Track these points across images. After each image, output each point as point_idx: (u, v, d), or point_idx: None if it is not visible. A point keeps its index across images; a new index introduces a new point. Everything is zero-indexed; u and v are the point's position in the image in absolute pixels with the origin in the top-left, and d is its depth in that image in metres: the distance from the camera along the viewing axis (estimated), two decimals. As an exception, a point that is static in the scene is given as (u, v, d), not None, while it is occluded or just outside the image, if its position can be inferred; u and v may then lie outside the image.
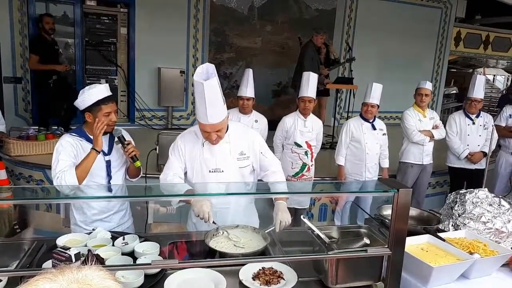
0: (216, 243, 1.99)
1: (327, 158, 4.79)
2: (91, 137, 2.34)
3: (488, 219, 2.13)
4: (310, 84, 3.89)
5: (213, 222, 2.05)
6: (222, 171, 2.25)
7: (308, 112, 3.92)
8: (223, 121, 2.13)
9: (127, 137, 2.45)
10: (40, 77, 5.60)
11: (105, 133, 2.34)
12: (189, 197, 1.96)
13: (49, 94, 5.52)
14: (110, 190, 2.29)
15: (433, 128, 4.40)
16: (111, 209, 2.44)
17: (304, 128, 3.91)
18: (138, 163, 2.42)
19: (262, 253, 1.93)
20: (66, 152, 2.28)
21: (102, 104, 2.29)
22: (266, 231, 2.06)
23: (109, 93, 2.36)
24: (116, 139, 2.40)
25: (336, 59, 6.96)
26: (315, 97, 3.94)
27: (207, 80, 1.98)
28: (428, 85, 4.34)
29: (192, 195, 1.93)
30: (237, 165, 2.28)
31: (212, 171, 2.24)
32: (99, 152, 2.30)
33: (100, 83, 2.42)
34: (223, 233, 2.08)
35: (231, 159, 2.27)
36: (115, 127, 2.39)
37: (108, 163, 2.39)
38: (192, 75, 7.14)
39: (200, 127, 2.17)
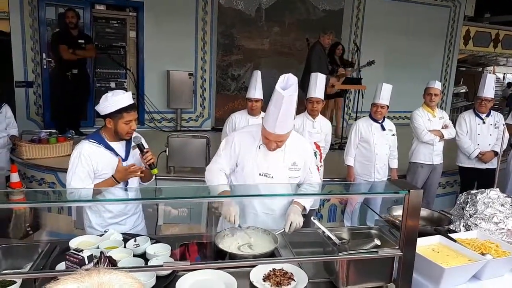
0: (226, 244, 2.00)
1: (336, 159, 4.77)
2: (110, 143, 2.38)
3: (500, 219, 2.12)
4: (318, 85, 3.89)
5: (239, 226, 2.07)
6: (272, 177, 2.26)
7: (316, 113, 3.91)
8: (288, 133, 2.16)
9: (145, 144, 2.49)
10: (60, 70, 5.77)
11: (126, 142, 2.41)
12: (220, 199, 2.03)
13: (66, 87, 5.67)
14: (125, 193, 2.32)
15: (442, 128, 4.36)
16: (127, 213, 2.47)
17: (313, 129, 3.90)
18: (155, 171, 2.46)
19: (272, 255, 1.93)
20: (82, 164, 2.30)
21: (124, 112, 2.32)
22: (276, 233, 2.06)
23: (132, 101, 2.39)
24: (133, 144, 2.44)
25: (352, 62, 6.89)
26: (323, 98, 3.93)
27: (288, 93, 2.00)
28: (438, 85, 4.31)
29: (205, 197, 1.94)
30: (288, 175, 2.29)
31: (262, 175, 2.26)
32: (119, 182, 2.35)
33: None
34: (233, 234, 2.09)
35: (283, 167, 2.28)
36: (135, 134, 2.43)
37: None
38: (201, 77, 7.24)
39: (263, 132, 2.19)
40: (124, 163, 2.42)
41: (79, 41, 5.73)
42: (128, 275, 0.76)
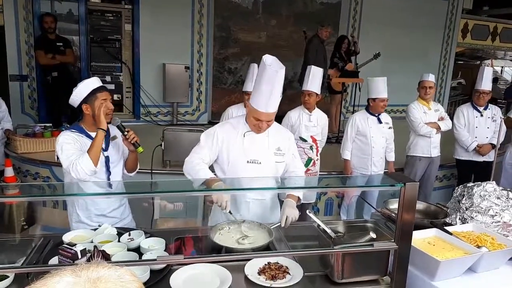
0: (221, 238, 1.99)
1: (333, 153, 4.76)
2: (90, 133, 2.37)
3: (496, 212, 2.11)
4: (311, 77, 3.84)
5: (229, 212, 2.07)
6: (260, 162, 2.28)
7: (310, 106, 3.88)
8: (275, 112, 2.20)
9: None
10: (40, 75, 5.72)
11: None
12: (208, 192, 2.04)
13: (49, 91, 5.62)
14: (111, 186, 2.32)
15: (439, 120, 4.37)
16: (112, 205, 2.46)
17: (309, 123, 3.88)
18: (140, 149, 2.44)
19: (267, 249, 1.93)
20: (70, 144, 2.30)
21: (97, 92, 2.34)
22: (272, 227, 2.06)
23: (100, 83, 2.41)
24: (111, 135, 2.44)
25: (355, 50, 6.79)
26: (318, 92, 3.90)
27: (280, 68, 2.07)
28: (431, 78, 4.31)
29: (202, 191, 1.94)
30: (274, 160, 2.32)
31: (250, 162, 2.28)
32: (105, 131, 2.33)
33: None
34: (228, 228, 2.08)
35: (269, 152, 2.31)
36: (113, 117, 2.42)
37: (107, 159, 2.42)
38: (197, 71, 7.19)
39: (253, 114, 2.19)
40: (106, 154, 2.41)
41: (57, 44, 5.62)
42: (129, 271, 0.73)
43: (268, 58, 2.11)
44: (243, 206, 2.32)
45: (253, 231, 2.08)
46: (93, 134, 2.36)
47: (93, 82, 2.38)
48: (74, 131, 2.37)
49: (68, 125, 5.29)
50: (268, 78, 2.08)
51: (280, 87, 2.12)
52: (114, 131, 2.48)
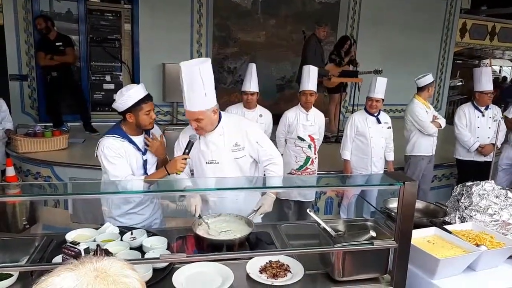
0: (202, 232, 2.04)
1: (332, 152, 4.77)
2: (132, 138, 2.42)
3: (495, 211, 2.13)
4: (310, 77, 3.86)
5: (199, 216, 2.15)
6: (218, 162, 2.35)
7: (310, 105, 3.90)
8: (203, 112, 2.20)
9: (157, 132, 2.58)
10: (40, 74, 5.73)
11: (146, 131, 2.47)
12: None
13: (49, 90, 5.64)
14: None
15: (433, 119, 4.40)
16: (145, 202, 2.52)
17: (307, 122, 3.89)
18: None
19: (247, 239, 2.00)
20: (121, 158, 2.34)
21: (142, 103, 2.35)
22: (248, 217, 2.16)
23: (146, 92, 2.42)
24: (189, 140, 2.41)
25: (355, 60, 6.78)
26: (316, 90, 3.92)
27: (186, 64, 2.11)
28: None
29: (185, 191, 2.00)
30: (232, 156, 2.36)
31: (209, 163, 2.36)
32: (169, 174, 2.35)
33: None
34: (207, 222, 2.13)
35: (226, 150, 2.35)
36: (191, 133, 2.36)
37: (145, 162, 2.47)
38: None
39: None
40: (144, 157, 2.46)
41: (57, 43, 5.58)
42: (120, 260, 0.75)
43: (198, 57, 2.18)
44: (217, 204, 2.39)
45: (232, 223, 2.15)
46: (135, 138, 2.42)
47: (139, 92, 2.36)
48: (117, 137, 2.37)
49: (69, 125, 5.31)
50: (181, 76, 2.14)
51: (195, 84, 2.12)
52: (156, 132, 2.55)
